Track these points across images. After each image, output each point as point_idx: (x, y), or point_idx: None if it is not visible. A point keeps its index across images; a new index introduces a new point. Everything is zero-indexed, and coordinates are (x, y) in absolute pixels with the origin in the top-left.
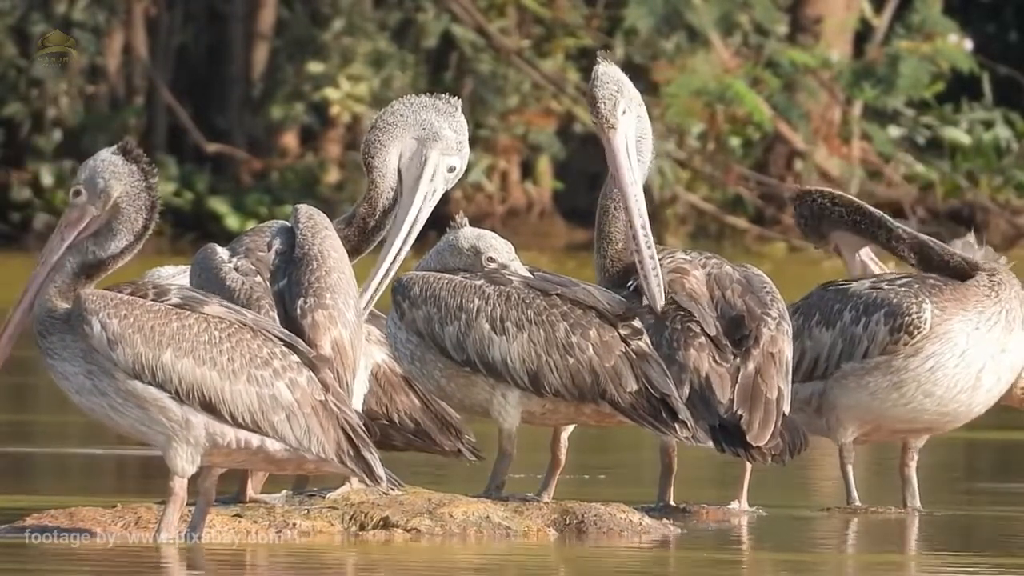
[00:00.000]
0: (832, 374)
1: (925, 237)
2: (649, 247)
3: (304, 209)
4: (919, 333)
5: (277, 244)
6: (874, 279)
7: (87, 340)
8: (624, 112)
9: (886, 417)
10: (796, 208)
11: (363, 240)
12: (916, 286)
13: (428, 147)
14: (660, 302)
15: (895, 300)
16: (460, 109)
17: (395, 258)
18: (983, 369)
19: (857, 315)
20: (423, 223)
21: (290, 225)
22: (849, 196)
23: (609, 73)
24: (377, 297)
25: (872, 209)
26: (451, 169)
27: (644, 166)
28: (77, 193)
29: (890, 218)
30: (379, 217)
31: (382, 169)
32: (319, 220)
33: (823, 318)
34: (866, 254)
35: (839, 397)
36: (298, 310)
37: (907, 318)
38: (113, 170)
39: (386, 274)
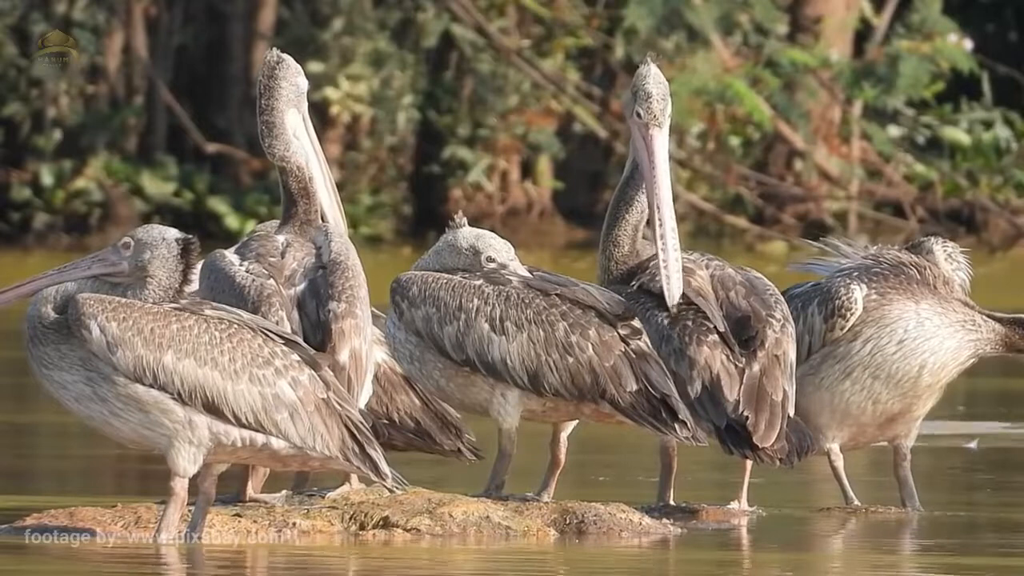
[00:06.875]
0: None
1: None
2: (676, 249)
3: (333, 224)
4: (851, 314)
5: (311, 254)
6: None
7: (86, 345)
8: (668, 115)
9: (850, 411)
10: None
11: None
12: (855, 274)
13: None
14: (676, 299)
15: (827, 288)
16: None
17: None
18: (923, 365)
19: (797, 314)
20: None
21: (319, 239)
22: None
23: (660, 74)
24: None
25: None
26: None
27: None
28: (126, 246)
29: None
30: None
31: None
32: (348, 240)
33: None
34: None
35: (809, 406)
36: (331, 312)
37: (837, 301)
38: (164, 254)
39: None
